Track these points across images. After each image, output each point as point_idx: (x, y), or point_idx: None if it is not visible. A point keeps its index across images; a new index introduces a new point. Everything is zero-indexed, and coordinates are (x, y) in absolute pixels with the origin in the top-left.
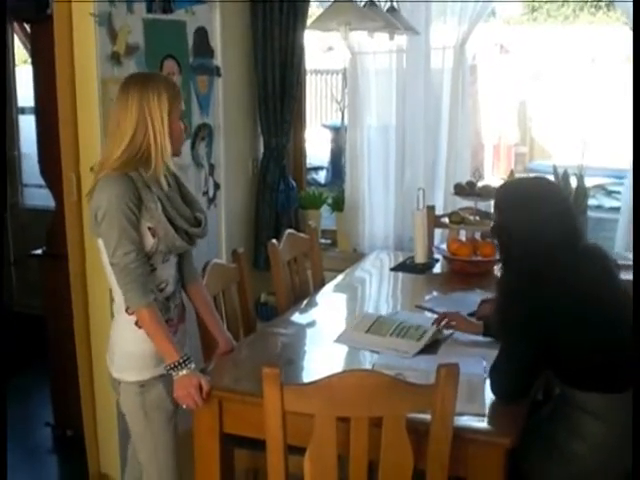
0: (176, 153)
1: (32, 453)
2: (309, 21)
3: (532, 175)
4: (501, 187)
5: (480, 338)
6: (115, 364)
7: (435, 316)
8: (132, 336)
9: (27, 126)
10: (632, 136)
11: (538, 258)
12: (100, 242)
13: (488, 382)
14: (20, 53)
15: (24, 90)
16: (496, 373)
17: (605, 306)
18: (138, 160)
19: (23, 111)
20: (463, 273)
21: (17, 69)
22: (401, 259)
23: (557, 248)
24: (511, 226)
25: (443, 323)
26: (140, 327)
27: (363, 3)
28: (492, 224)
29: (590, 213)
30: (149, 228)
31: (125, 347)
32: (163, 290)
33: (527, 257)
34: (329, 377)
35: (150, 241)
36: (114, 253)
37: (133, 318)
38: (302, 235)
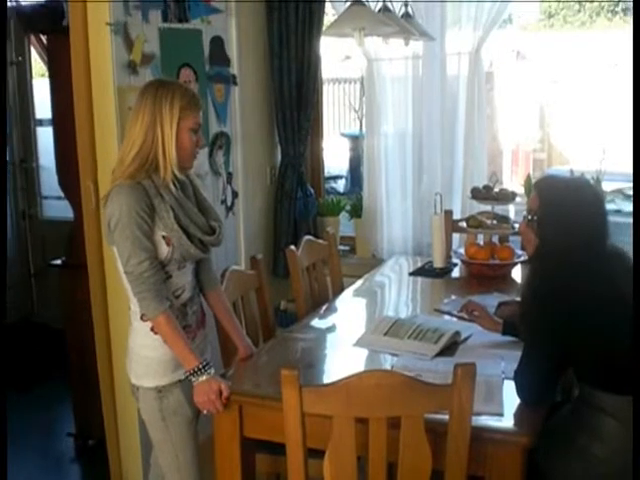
0: (184, 165)
1: (55, 463)
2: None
3: (576, 175)
4: (547, 178)
5: (499, 338)
6: (133, 370)
7: (454, 319)
8: (148, 342)
9: (45, 138)
10: (632, 137)
11: (565, 258)
12: (115, 250)
13: (513, 387)
14: (37, 67)
15: (42, 103)
16: (523, 376)
17: (628, 308)
18: (149, 167)
19: (41, 123)
20: (481, 276)
21: (34, 82)
22: (420, 264)
23: (584, 250)
24: (545, 220)
25: (467, 312)
26: (156, 333)
27: (378, 9)
28: (528, 207)
29: (609, 217)
30: (163, 237)
31: (142, 353)
32: (179, 297)
33: (555, 255)
34: (347, 378)
35: (165, 249)
36: (127, 262)
37: (149, 324)
38: (320, 241)
